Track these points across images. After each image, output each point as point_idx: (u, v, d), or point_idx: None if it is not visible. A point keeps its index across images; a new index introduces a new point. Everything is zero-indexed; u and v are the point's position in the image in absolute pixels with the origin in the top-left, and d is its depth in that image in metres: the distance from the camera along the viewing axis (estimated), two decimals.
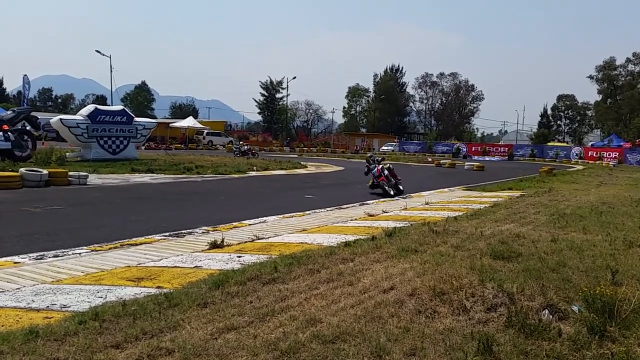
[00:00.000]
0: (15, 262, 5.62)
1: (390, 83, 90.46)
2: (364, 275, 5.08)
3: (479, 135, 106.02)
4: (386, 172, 15.07)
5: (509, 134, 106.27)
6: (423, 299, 4.32)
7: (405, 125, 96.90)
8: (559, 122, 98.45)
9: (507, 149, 58.75)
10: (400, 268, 5.32)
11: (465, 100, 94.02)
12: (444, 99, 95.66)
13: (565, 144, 71.99)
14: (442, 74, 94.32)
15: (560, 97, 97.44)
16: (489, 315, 4.01)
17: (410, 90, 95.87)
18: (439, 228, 7.71)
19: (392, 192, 14.47)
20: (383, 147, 63.14)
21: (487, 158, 51.93)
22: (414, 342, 3.46)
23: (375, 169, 15.41)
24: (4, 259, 5.75)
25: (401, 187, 15.07)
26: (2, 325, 3.66)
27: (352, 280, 4.90)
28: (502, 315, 3.96)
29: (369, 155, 20.02)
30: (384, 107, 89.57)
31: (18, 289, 4.61)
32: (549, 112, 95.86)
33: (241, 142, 42.94)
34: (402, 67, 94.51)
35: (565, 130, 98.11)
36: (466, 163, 35.18)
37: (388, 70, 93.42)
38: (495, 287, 4.47)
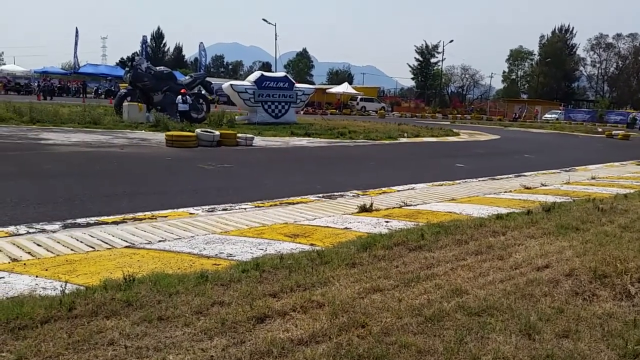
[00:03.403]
0: (191, 213, 6.40)
1: (558, 45, 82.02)
2: (516, 250, 4.88)
3: None
4: None
5: None
6: (581, 280, 4.04)
7: (573, 91, 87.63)
8: None
9: None
10: (557, 246, 5.00)
11: None
12: (620, 62, 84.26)
13: None
14: (619, 35, 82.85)
15: None
16: None
17: (580, 52, 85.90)
18: (606, 205, 7.02)
19: None
20: (546, 115, 58.09)
21: None
22: (567, 324, 3.28)
23: None
24: (181, 209, 6.59)
25: None
26: (179, 269, 4.22)
27: (503, 254, 4.75)
28: None
29: None
30: (550, 71, 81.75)
31: (192, 237, 5.27)
32: None
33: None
34: (573, 28, 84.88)
35: None
36: None
37: (556, 31, 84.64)
38: None
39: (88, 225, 5.55)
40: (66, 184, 8.22)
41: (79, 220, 5.71)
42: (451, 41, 72.18)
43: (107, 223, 5.67)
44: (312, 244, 5.06)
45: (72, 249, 4.63)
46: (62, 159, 11.17)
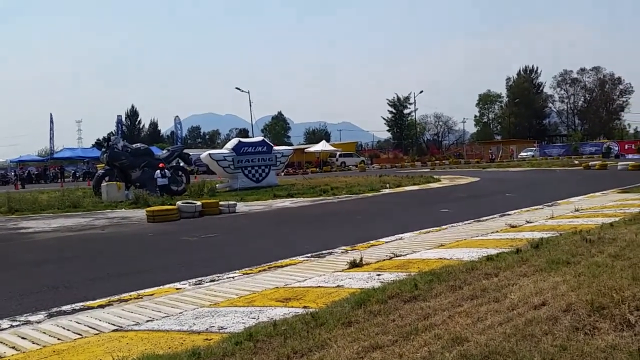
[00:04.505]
0: (178, 288, 6.25)
1: (525, 85, 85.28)
2: (511, 290, 4.84)
3: (631, 131, 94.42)
4: None
5: None
6: (580, 314, 4.00)
7: (545, 127, 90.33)
8: None
9: None
10: (551, 282, 4.97)
11: (612, 94, 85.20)
12: (587, 95, 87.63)
13: None
14: (582, 70, 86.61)
15: None
16: None
17: (548, 90, 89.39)
18: (593, 236, 7.05)
19: None
20: (522, 153, 59.40)
21: None
22: None
23: None
24: (168, 285, 6.44)
25: None
26: (169, 348, 4.06)
27: (498, 296, 4.69)
28: None
29: None
30: (520, 111, 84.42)
31: (181, 313, 5.12)
32: None
33: None
34: (537, 67, 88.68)
35: None
36: (619, 163, 31.79)
37: (522, 72, 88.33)
38: None
39: (74, 311, 5.38)
40: (49, 272, 8.03)
41: (64, 308, 5.53)
42: (421, 92, 74.74)
43: (92, 307, 5.50)
44: (305, 306, 4.95)
45: (58, 338, 4.46)
46: (44, 246, 10.96)
